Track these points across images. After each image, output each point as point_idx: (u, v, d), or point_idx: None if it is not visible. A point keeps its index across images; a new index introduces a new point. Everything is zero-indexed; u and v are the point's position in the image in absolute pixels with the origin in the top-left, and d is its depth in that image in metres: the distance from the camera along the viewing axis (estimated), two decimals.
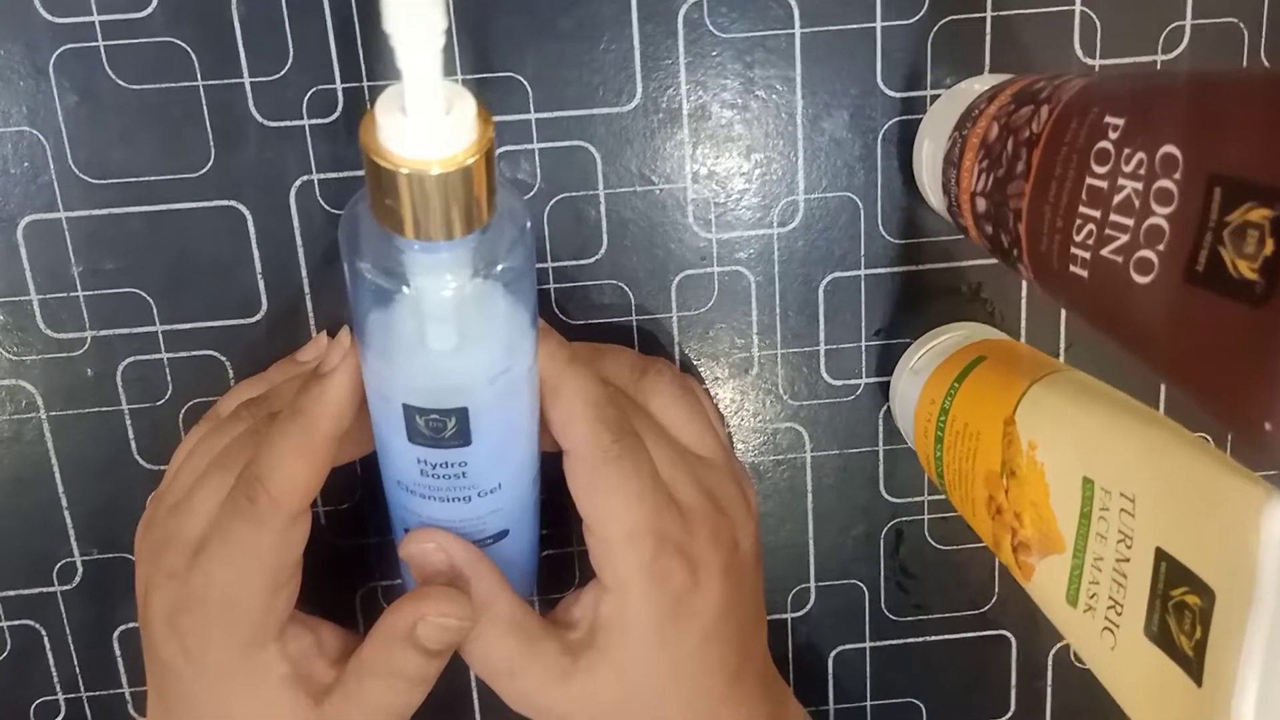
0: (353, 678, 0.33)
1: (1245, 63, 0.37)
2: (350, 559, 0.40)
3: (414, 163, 0.23)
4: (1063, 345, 0.40)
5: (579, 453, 0.31)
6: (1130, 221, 0.25)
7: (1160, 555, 0.25)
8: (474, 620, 0.32)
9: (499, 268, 0.26)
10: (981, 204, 0.31)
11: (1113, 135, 0.26)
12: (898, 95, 0.37)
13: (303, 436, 0.30)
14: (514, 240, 0.26)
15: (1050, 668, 0.43)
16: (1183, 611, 0.24)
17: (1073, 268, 0.27)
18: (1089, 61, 0.37)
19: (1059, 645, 0.43)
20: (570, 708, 0.33)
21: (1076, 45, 0.37)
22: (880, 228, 0.38)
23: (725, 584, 0.33)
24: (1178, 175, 0.23)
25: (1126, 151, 0.25)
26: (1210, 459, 0.24)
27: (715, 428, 0.36)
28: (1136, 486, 0.26)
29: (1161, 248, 0.24)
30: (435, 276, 0.25)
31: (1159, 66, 0.37)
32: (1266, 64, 0.37)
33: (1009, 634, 0.43)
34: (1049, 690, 0.43)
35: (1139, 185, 0.24)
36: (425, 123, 0.23)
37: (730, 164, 0.37)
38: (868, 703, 0.43)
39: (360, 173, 0.36)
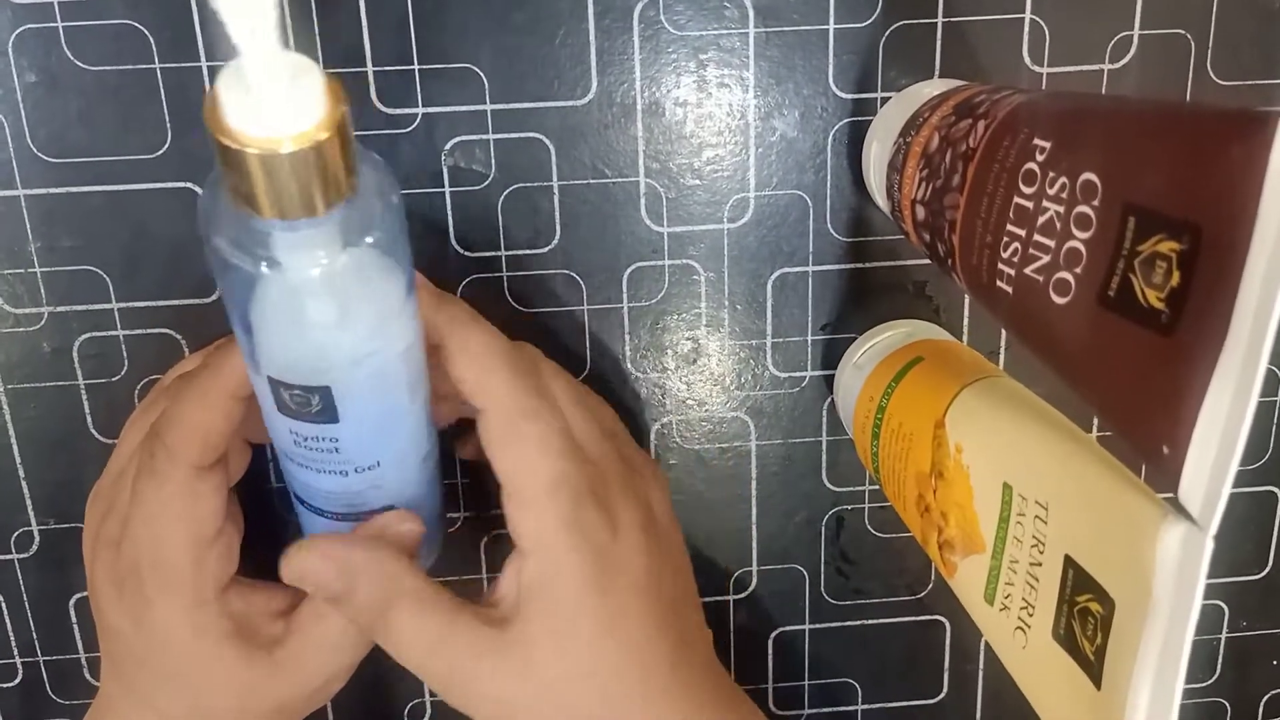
0: (310, 620, 0.33)
1: (1192, 73, 0.38)
2: (297, 532, 0.41)
3: (261, 141, 0.22)
4: (1002, 344, 0.41)
5: (496, 408, 0.31)
6: (1052, 243, 0.25)
7: (1068, 562, 0.26)
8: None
9: (363, 243, 0.25)
10: (921, 212, 0.32)
11: (1040, 157, 0.26)
12: (849, 96, 0.37)
13: (201, 391, 0.31)
14: (379, 215, 0.25)
15: (982, 653, 0.44)
16: (1086, 617, 0.25)
17: (999, 283, 0.28)
18: (1037, 69, 0.37)
19: None
20: (502, 685, 0.31)
21: (1025, 53, 0.37)
22: (829, 225, 0.39)
23: (645, 540, 0.33)
24: (1096, 202, 0.24)
25: (1051, 175, 0.26)
26: (1116, 474, 0.25)
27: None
28: (1050, 495, 0.27)
29: (1079, 271, 0.25)
30: (293, 254, 0.24)
31: (1106, 76, 0.38)
32: (1213, 75, 0.38)
33: (943, 619, 0.44)
34: (980, 674, 0.45)
35: (1061, 208, 0.25)
36: (268, 98, 0.21)
37: (683, 160, 0.38)
38: (805, 682, 0.44)
39: None
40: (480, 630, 0.31)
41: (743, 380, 0.41)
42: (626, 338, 0.40)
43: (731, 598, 0.43)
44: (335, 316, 0.26)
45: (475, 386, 0.31)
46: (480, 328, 0.31)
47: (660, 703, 0.32)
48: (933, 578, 0.43)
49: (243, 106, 0.22)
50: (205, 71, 0.36)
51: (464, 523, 0.41)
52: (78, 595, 0.41)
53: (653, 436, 0.41)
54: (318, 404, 0.28)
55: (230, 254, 0.24)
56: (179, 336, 0.38)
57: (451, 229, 0.38)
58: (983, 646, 0.44)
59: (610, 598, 0.32)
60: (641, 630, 0.32)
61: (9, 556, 0.41)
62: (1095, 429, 0.39)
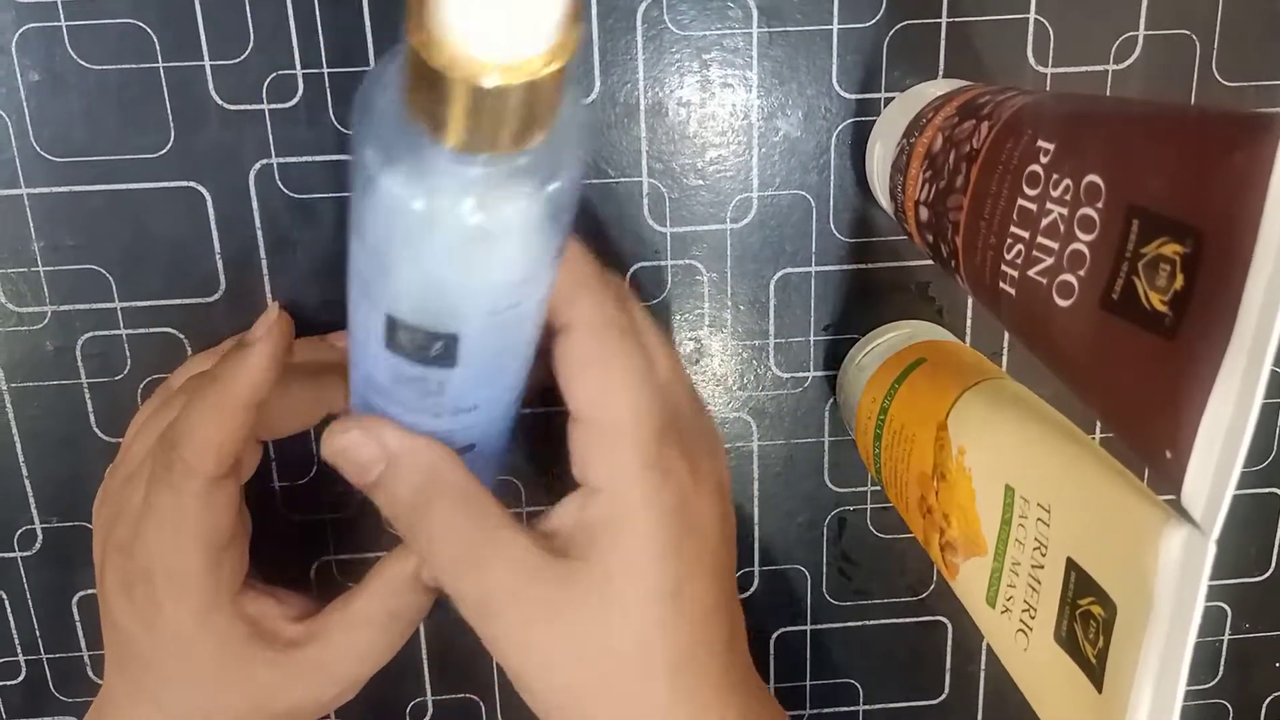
0: (339, 629, 0.33)
1: (1197, 74, 0.38)
2: (306, 533, 0.41)
3: (475, 65, 0.17)
4: (1005, 346, 0.41)
5: (582, 323, 0.27)
6: (1055, 245, 0.25)
7: (1070, 565, 0.26)
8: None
9: (544, 191, 0.21)
10: (924, 213, 0.32)
11: (1044, 159, 0.26)
12: (852, 97, 0.37)
13: (215, 402, 0.30)
14: (567, 161, 0.21)
15: (984, 654, 0.44)
16: (1088, 621, 0.25)
17: (1002, 284, 0.28)
18: (1041, 70, 0.37)
19: None
20: (541, 622, 0.27)
21: (1030, 53, 0.37)
22: (831, 226, 0.39)
23: (720, 500, 0.29)
24: (1100, 204, 0.24)
25: (1055, 177, 0.26)
26: (1118, 478, 0.25)
27: None
28: (1052, 498, 0.27)
29: (1082, 273, 0.24)
30: (461, 194, 0.20)
31: (1111, 76, 0.38)
32: (1219, 77, 0.38)
33: (945, 620, 0.44)
34: (981, 675, 0.45)
35: (1064, 211, 0.25)
36: (498, 13, 0.17)
37: (685, 160, 0.38)
38: (807, 682, 0.44)
39: (321, 158, 0.37)
40: (529, 549, 0.27)
41: (745, 381, 0.40)
42: None
43: None
44: (493, 266, 0.22)
45: (562, 302, 0.27)
46: (576, 245, 0.27)
47: (711, 695, 0.29)
48: (934, 579, 0.43)
49: (462, 16, 0.17)
50: (208, 71, 0.36)
51: None
52: (81, 593, 0.41)
53: None
54: (439, 349, 0.25)
55: (384, 174, 0.20)
56: (182, 336, 0.38)
57: None
58: (984, 648, 0.44)
59: (684, 558, 0.28)
60: (710, 600, 0.29)
61: (12, 554, 0.41)
62: (1098, 432, 0.39)
